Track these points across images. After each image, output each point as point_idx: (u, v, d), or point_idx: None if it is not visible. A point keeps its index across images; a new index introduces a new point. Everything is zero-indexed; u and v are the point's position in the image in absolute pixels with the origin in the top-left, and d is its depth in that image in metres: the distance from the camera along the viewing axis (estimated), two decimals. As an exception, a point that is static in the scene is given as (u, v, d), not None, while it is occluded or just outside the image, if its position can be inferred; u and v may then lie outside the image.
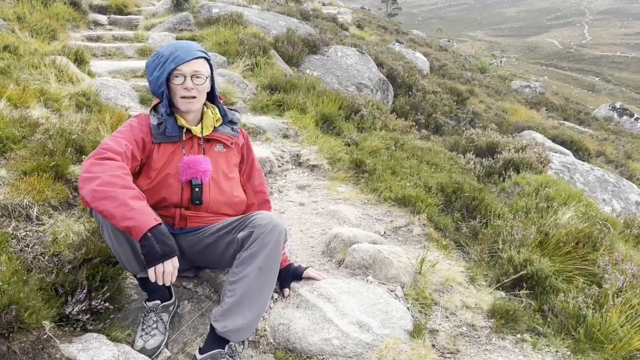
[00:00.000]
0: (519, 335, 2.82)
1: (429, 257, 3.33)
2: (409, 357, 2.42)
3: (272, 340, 2.59)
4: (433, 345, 2.65)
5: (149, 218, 2.08)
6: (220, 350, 2.30)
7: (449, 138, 7.22)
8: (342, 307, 2.68)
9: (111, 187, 2.08)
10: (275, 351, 2.54)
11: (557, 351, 2.74)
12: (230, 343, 2.38)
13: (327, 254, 3.28)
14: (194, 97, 2.46)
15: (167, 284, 2.13)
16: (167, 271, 2.10)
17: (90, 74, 5.95)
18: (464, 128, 8.79)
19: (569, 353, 2.73)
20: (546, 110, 15.94)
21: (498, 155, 5.89)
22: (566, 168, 6.23)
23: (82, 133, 3.80)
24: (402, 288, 2.91)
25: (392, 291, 2.88)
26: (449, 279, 3.10)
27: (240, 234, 2.36)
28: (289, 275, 2.84)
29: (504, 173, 5.47)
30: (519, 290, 3.16)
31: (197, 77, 2.45)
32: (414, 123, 7.39)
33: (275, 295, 2.85)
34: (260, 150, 4.96)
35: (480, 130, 6.84)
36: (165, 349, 2.49)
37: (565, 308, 2.90)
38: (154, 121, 2.52)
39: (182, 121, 2.54)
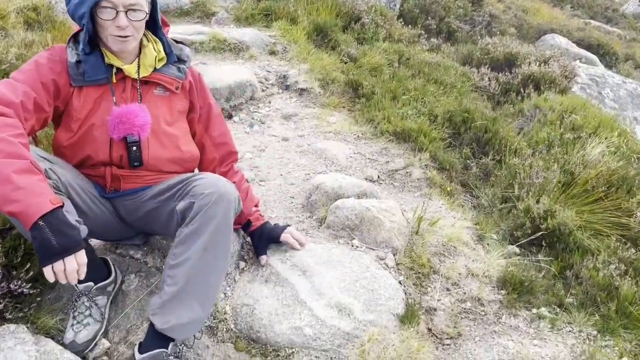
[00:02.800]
0: (534, 311, 2.34)
1: (430, 207, 2.79)
2: (398, 354, 1.95)
3: (232, 326, 2.13)
4: (429, 330, 2.18)
5: (42, 200, 1.54)
6: (163, 350, 1.85)
7: (462, 47, 6.40)
8: (319, 284, 2.19)
9: None
10: (236, 340, 2.09)
11: (580, 331, 2.27)
12: (175, 341, 1.92)
13: (308, 208, 2.75)
14: (130, 36, 1.83)
15: (73, 283, 1.63)
16: (69, 270, 1.58)
17: (45, -18, 5.14)
18: (480, 33, 7.90)
19: (595, 333, 2.26)
20: (571, 8, 14.59)
21: (517, 70, 5.14)
22: (594, 82, 5.48)
23: (17, 61, 3.16)
24: (393, 255, 2.40)
25: (381, 259, 2.38)
26: (452, 239, 2.58)
27: (180, 205, 1.84)
28: (264, 238, 2.33)
29: (522, 91, 4.77)
30: (536, 251, 2.64)
31: (134, 11, 1.81)
32: (422, 32, 6.54)
33: (242, 264, 2.37)
34: (242, 72, 4.29)
35: (497, 39, 6.01)
36: (104, 340, 2.05)
37: (594, 277, 2.39)
38: (71, 58, 1.89)
39: (111, 58, 1.92)
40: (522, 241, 2.66)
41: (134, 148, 1.95)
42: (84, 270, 1.62)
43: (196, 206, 1.79)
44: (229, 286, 2.30)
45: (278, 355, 2.03)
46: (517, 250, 2.76)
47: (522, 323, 2.28)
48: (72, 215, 1.66)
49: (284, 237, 2.33)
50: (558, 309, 2.36)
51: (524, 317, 2.31)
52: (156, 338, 1.86)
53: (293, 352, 2.03)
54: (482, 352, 2.13)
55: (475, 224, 2.76)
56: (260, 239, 2.33)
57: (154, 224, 2.08)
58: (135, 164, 1.98)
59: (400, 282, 2.29)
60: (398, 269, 2.35)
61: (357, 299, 2.15)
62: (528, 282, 2.37)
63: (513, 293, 2.35)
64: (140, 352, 1.86)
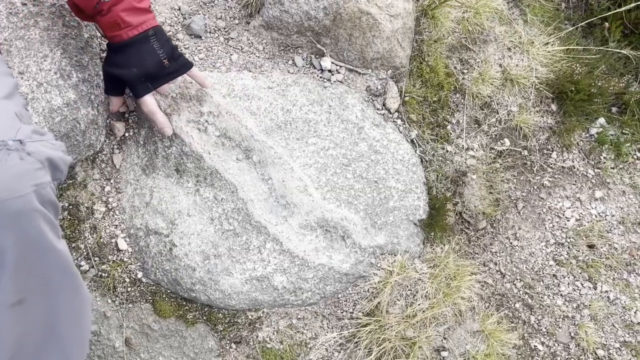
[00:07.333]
0: (593, 131, 1.56)
1: None
2: (432, 304, 1.21)
3: (140, 276, 1.23)
4: (459, 215, 1.39)
5: None
6: None
7: None
8: (280, 182, 1.20)
9: None
10: (154, 299, 1.24)
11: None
12: None
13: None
14: None
15: None
16: None
17: None
18: None
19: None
20: None
21: None
22: None
23: None
24: (396, 85, 1.32)
25: (376, 96, 1.31)
26: (479, 11, 1.46)
27: None
28: (162, 71, 1.06)
29: None
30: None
31: None
32: None
33: (119, 127, 1.25)
34: None
35: None
36: None
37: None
38: None
39: None
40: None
41: None
42: None
43: None
44: (108, 181, 1.25)
45: (236, 322, 1.23)
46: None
47: (577, 159, 1.52)
48: None
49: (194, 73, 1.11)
50: (622, 117, 1.58)
51: (580, 146, 1.53)
52: None
53: (261, 316, 1.23)
54: (529, 230, 1.43)
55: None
56: (150, 69, 1.03)
57: None
58: None
59: (413, 143, 1.32)
60: (406, 111, 1.33)
61: (354, 206, 1.23)
62: (596, 87, 1.49)
63: (570, 106, 1.49)
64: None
